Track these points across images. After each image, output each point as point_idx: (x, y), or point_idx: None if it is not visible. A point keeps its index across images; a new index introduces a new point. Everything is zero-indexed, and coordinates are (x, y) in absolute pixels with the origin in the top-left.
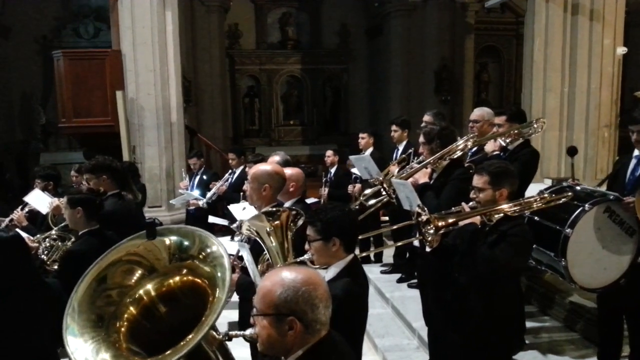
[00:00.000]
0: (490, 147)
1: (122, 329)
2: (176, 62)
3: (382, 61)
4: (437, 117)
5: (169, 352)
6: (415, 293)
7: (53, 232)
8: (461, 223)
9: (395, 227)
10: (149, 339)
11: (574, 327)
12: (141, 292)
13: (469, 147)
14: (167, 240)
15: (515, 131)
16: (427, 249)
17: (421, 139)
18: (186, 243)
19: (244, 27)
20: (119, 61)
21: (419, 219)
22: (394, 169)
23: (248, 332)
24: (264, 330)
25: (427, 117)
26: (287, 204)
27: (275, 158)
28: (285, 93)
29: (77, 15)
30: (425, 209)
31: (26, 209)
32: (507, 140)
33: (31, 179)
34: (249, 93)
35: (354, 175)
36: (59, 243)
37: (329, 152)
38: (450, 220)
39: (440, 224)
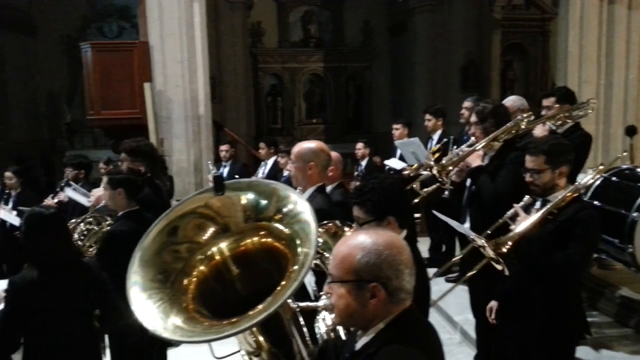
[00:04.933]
0: (539, 131)
1: (191, 287)
2: (204, 54)
3: (406, 58)
4: (479, 101)
5: (250, 312)
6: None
7: (88, 215)
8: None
9: (462, 254)
10: (217, 303)
11: (627, 322)
12: (214, 250)
13: (523, 128)
14: (243, 199)
15: (566, 113)
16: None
17: (473, 118)
18: (263, 202)
19: (266, 26)
20: (147, 53)
21: (481, 248)
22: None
23: (322, 303)
24: (341, 300)
25: (467, 104)
26: (327, 189)
27: None
28: (307, 91)
29: (102, 15)
30: (478, 238)
31: (56, 199)
32: (558, 124)
33: (57, 175)
34: (271, 92)
35: (387, 167)
36: (95, 227)
37: (360, 145)
38: (512, 243)
39: (504, 250)
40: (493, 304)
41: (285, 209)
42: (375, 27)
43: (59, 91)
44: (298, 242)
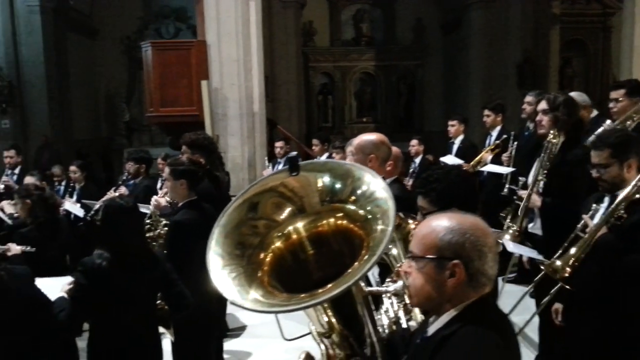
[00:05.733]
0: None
1: (267, 261)
2: (259, 52)
3: (460, 56)
4: (541, 95)
5: (320, 290)
6: (511, 287)
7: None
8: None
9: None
10: (290, 281)
11: None
12: (290, 229)
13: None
14: (319, 181)
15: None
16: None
17: (542, 105)
18: (338, 185)
19: (318, 25)
20: (204, 51)
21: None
22: (487, 156)
23: (392, 287)
24: (418, 279)
25: (529, 98)
26: None
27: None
28: (358, 90)
29: (159, 17)
30: (540, 262)
31: (117, 192)
32: (627, 123)
33: (116, 172)
34: (322, 90)
35: (443, 164)
36: (152, 234)
37: (414, 142)
38: (575, 259)
39: (566, 275)
40: (558, 306)
41: (359, 191)
42: (427, 24)
43: (117, 91)
44: (373, 220)
